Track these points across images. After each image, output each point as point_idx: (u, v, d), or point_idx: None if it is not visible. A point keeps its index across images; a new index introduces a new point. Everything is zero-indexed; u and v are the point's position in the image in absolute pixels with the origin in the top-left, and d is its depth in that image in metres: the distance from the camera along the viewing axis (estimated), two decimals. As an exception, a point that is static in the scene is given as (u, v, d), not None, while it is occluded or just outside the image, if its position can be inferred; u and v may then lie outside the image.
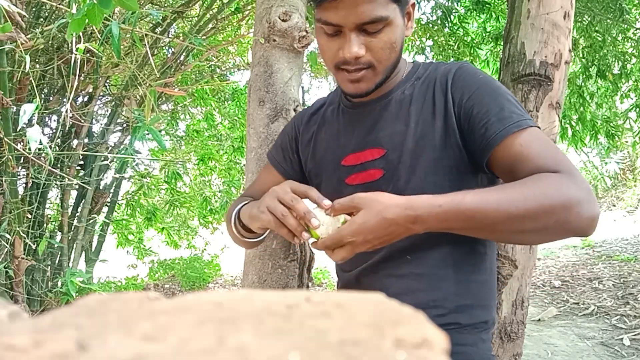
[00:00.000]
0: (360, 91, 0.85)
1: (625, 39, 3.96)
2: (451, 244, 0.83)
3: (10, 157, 2.29)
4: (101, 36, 2.10)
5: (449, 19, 3.57)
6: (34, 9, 2.79)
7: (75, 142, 3.27)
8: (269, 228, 0.80)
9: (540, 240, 0.76)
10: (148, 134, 1.59)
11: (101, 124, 3.69)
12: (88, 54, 2.62)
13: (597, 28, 3.59)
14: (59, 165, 3.10)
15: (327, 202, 0.75)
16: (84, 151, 3.20)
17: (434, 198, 0.70)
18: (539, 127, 0.78)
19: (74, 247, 3.35)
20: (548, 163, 0.72)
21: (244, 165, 2.72)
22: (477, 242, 0.86)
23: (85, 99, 3.50)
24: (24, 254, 2.64)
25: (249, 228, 0.91)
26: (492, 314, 0.88)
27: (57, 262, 3.27)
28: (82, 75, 3.06)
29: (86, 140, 3.36)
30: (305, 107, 1.12)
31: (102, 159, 3.39)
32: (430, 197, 0.70)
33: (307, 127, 1.03)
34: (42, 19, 2.85)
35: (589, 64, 3.83)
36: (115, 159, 3.47)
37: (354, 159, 0.91)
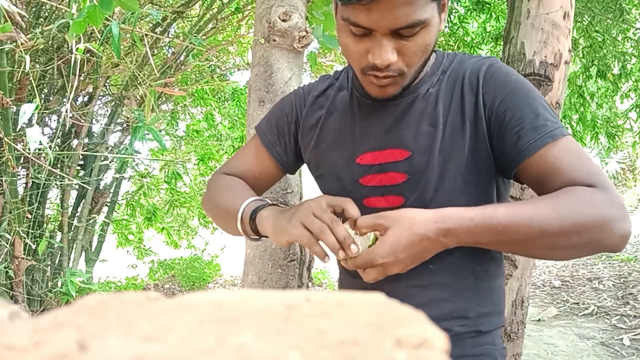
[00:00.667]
0: (387, 96, 0.78)
1: (625, 39, 3.96)
2: (471, 252, 0.79)
3: (10, 157, 2.29)
4: (101, 36, 2.10)
5: (449, 19, 3.57)
6: (34, 9, 2.79)
7: (75, 142, 3.27)
8: (300, 243, 0.74)
9: (571, 256, 0.72)
10: (148, 134, 1.59)
11: (101, 124, 3.69)
12: (88, 54, 2.62)
13: (597, 28, 3.59)
14: (59, 165, 3.10)
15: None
16: (84, 151, 3.20)
17: (464, 211, 0.67)
18: (570, 135, 0.74)
19: (74, 247, 3.35)
20: (582, 176, 0.69)
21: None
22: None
23: (85, 99, 3.50)
24: (24, 254, 2.64)
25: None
26: (504, 317, 0.88)
27: (57, 262, 3.27)
28: (82, 75, 3.06)
29: (86, 140, 3.36)
30: (306, 84, 1.00)
31: (102, 159, 3.39)
32: (460, 209, 0.68)
33: (311, 110, 0.92)
34: (42, 19, 2.85)
35: (589, 64, 3.83)
36: (115, 159, 3.47)
37: (371, 158, 0.83)
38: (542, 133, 0.72)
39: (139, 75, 2.58)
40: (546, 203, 0.67)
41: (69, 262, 3.30)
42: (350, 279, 0.92)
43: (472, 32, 4.12)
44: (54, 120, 3.55)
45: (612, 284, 4.41)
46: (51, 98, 3.24)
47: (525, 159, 0.73)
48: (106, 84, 3.56)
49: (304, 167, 1.05)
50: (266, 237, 0.84)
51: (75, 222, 3.31)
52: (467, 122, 0.78)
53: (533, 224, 0.65)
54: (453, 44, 3.82)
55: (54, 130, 3.39)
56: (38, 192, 2.87)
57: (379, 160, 0.82)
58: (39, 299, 2.96)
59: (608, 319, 3.58)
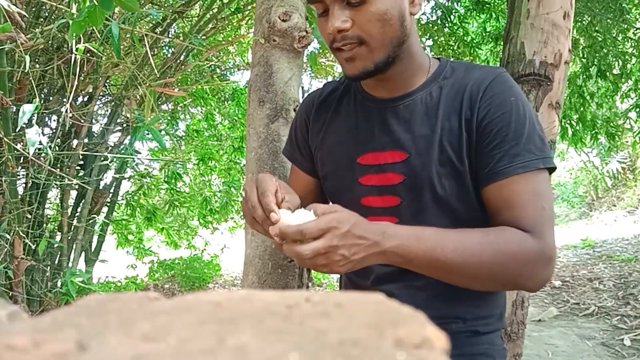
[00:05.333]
0: (356, 71, 0.79)
1: (626, 39, 3.96)
2: None
3: (10, 157, 2.29)
4: (101, 36, 2.10)
5: (449, 19, 3.57)
6: (34, 9, 2.79)
7: (75, 142, 3.27)
8: (253, 228, 0.77)
9: (487, 289, 0.80)
10: (148, 134, 1.59)
11: (101, 124, 3.69)
12: (88, 54, 2.62)
13: (597, 28, 3.59)
14: (59, 165, 3.10)
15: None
16: (84, 151, 3.20)
17: (404, 226, 0.72)
18: (550, 168, 0.76)
19: (74, 247, 3.35)
20: (526, 219, 0.73)
21: (244, 165, 2.73)
22: None
23: (85, 99, 3.50)
24: (24, 254, 2.64)
25: None
26: (504, 319, 0.90)
27: (57, 262, 3.27)
28: (82, 75, 3.06)
29: (86, 140, 3.36)
30: (312, 92, 1.04)
31: (102, 159, 3.39)
32: (401, 226, 0.72)
33: (318, 115, 0.96)
34: (42, 19, 2.85)
35: (589, 64, 3.83)
36: (115, 159, 3.47)
37: (372, 159, 0.86)
38: (515, 162, 0.75)
39: (139, 75, 2.58)
40: (474, 235, 0.72)
41: (68, 262, 3.30)
42: (350, 280, 0.94)
43: (472, 32, 4.12)
44: (54, 120, 3.55)
45: (613, 284, 4.41)
46: (51, 98, 3.24)
47: (491, 183, 0.76)
48: (106, 84, 3.56)
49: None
50: None
51: (75, 222, 3.31)
52: (463, 130, 0.80)
53: (457, 250, 0.69)
54: (453, 44, 3.82)
55: (54, 130, 3.39)
56: (38, 192, 2.86)
57: (379, 161, 0.85)
58: (38, 299, 2.96)
59: (609, 319, 3.58)
